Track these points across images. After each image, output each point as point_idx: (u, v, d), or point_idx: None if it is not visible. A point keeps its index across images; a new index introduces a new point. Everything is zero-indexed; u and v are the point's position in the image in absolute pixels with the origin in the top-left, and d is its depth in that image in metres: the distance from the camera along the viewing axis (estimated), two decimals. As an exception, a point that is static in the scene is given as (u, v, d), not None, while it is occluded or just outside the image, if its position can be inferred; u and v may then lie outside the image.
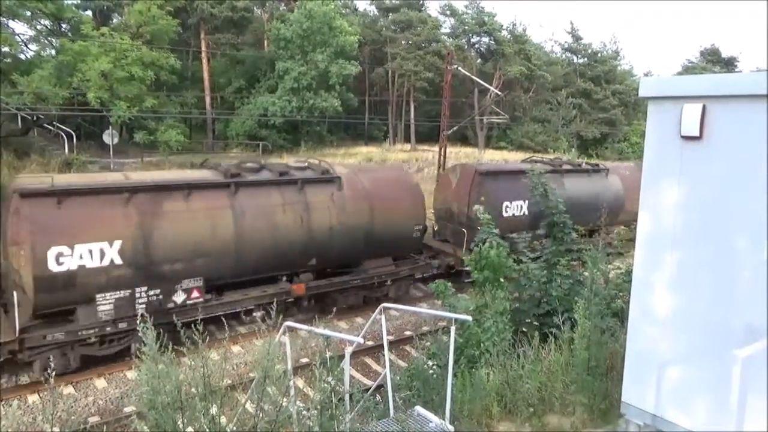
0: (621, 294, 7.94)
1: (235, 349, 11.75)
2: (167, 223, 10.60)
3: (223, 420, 3.98)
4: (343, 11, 43.33)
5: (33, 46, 30.81)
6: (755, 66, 71.32)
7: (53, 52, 29.70)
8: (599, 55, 55.34)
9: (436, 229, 17.27)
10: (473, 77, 32.00)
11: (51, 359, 9.82)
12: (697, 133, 3.89)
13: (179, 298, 10.93)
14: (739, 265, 3.78)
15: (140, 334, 3.81)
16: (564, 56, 56.99)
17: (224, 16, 37.92)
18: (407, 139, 45.63)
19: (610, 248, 9.33)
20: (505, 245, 8.16)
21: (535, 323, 8.32)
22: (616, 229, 17.50)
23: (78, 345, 10.16)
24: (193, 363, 3.85)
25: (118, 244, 9.98)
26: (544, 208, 9.65)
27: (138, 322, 3.94)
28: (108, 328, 10.19)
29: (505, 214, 15.68)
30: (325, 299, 13.38)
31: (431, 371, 6.82)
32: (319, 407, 4.19)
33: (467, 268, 8.73)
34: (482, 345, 6.81)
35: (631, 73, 59.89)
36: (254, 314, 11.79)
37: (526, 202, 15.48)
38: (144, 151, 28.98)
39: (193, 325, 3.85)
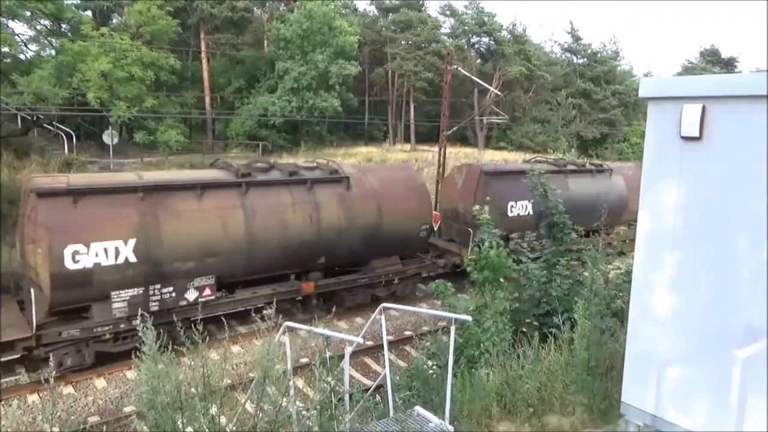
0: (621, 294, 7.94)
1: (235, 349, 11.75)
2: (180, 222, 10.79)
3: (223, 420, 3.98)
4: (343, 11, 43.32)
5: (33, 47, 30.75)
6: (755, 66, 71.37)
7: (53, 52, 29.65)
8: (599, 55, 55.31)
9: (436, 229, 17.35)
10: (473, 77, 31.96)
11: (67, 355, 10.01)
12: (696, 134, 3.90)
13: (192, 295, 11.09)
14: (739, 265, 3.78)
15: (140, 334, 3.81)
16: (564, 56, 56.97)
17: (224, 16, 37.89)
18: (407, 139, 45.61)
19: (611, 248, 9.33)
20: (502, 244, 8.18)
21: (535, 323, 8.33)
22: (616, 229, 17.52)
23: (93, 342, 10.32)
24: (192, 363, 3.85)
25: (132, 242, 10.16)
26: (544, 209, 9.66)
27: (138, 322, 3.94)
28: (122, 325, 10.34)
29: (510, 214, 15.82)
30: (333, 297, 13.57)
31: (431, 371, 6.82)
32: (318, 407, 4.19)
33: (472, 267, 8.75)
34: (482, 345, 6.81)
35: (631, 74, 59.90)
36: (265, 311, 11.91)
37: (531, 202, 15.54)
38: (144, 151, 28.96)
39: (193, 326, 3.85)
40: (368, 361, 11.82)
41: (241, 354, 11.61)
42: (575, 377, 5.85)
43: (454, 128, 26.68)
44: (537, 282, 8.64)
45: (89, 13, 34.41)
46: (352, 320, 13.67)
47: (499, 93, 34.18)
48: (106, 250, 9.90)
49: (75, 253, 9.60)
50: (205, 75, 38.78)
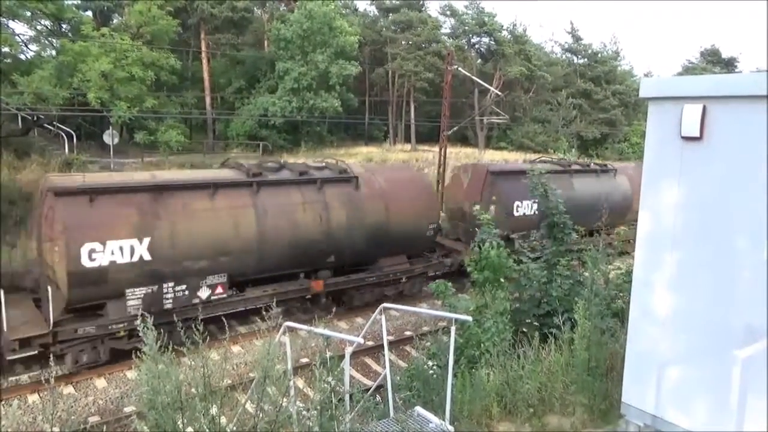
0: (621, 294, 7.94)
1: (235, 349, 11.76)
2: (194, 221, 10.93)
3: (223, 420, 3.98)
4: (343, 11, 43.31)
5: (33, 47, 30.77)
6: (755, 66, 71.29)
7: (53, 52, 29.66)
8: (599, 55, 55.28)
9: (442, 227, 17.43)
10: (473, 77, 31.98)
11: (82, 352, 10.10)
12: (697, 134, 3.89)
13: (204, 293, 11.22)
14: (739, 265, 3.78)
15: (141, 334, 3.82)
16: (564, 56, 56.94)
17: (224, 16, 37.89)
18: (407, 140, 45.58)
19: (612, 248, 9.33)
20: (503, 244, 8.17)
21: (535, 323, 8.32)
22: (617, 229, 17.53)
23: (108, 339, 10.41)
24: (193, 363, 3.85)
25: (147, 241, 10.27)
26: (544, 209, 9.67)
27: (138, 322, 3.94)
28: (137, 322, 10.35)
29: (516, 214, 15.91)
30: (341, 296, 13.70)
31: (431, 371, 6.82)
32: (319, 407, 4.19)
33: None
34: (482, 345, 6.81)
35: (632, 74, 59.88)
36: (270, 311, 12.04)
37: (537, 201, 15.65)
38: (144, 151, 28.95)
39: (194, 326, 3.85)
40: (368, 361, 11.82)
41: (241, 354, 11.61)
42: (575, 377, 5.84)
43: (455, 128, 26.68)
44: (537, 282, 8.64)
45: (90, 13, 34.41)
46: (352, 320, 13.68)
47: (499, 93, 34.17)
48: (121, 249, 10.05)
49: (91, 251, 9.74)
50: (206, 75, 38.77)
